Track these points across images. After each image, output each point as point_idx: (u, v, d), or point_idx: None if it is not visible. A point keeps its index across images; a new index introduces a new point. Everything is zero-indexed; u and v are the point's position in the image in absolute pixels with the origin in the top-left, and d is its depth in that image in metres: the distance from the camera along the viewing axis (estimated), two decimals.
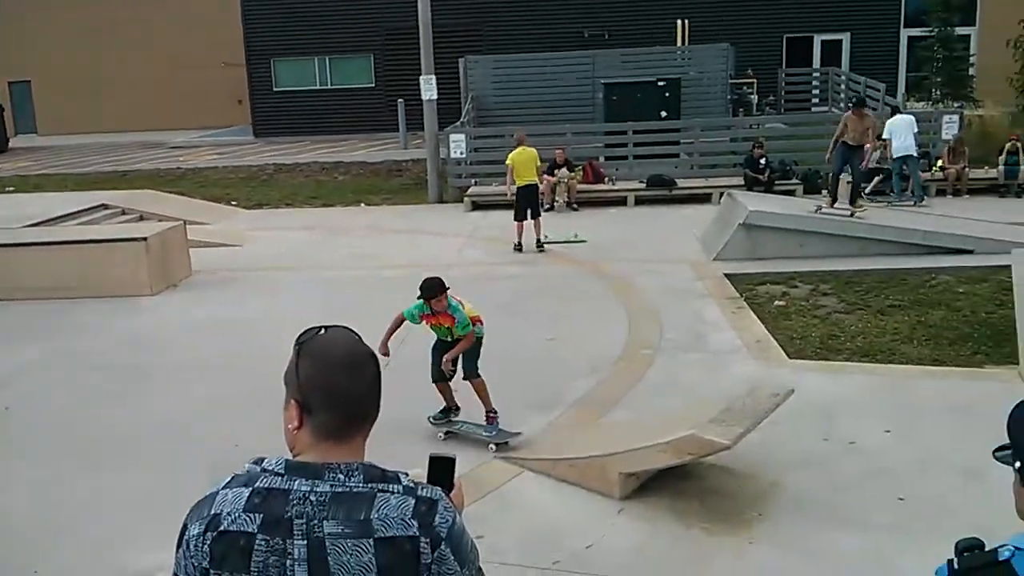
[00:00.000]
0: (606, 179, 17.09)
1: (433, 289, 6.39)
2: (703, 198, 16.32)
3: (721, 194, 14.56)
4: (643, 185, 16.85)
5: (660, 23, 25.10)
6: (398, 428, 5.94)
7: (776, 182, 16.46)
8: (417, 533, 1.75)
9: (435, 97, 17.59)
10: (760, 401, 5.71)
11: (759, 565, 4.88)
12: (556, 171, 16.11)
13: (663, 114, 18.97)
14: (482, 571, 1.92)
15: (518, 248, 12.85)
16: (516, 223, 12.87)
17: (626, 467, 5.54)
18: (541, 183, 13.52)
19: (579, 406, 7.23)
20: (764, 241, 11.78)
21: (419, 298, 6.47)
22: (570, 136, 18.59)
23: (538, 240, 12.88)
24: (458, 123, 19.32)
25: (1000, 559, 1.84)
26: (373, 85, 28.73)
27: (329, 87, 29.14)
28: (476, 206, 16.77)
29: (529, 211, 12.85)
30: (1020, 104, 10.48)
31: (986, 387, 7.02)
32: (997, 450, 1.94)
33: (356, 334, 1.92)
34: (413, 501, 1.77)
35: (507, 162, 13.21)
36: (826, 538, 5.10)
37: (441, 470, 1.95)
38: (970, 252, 11.24)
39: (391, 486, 1.77)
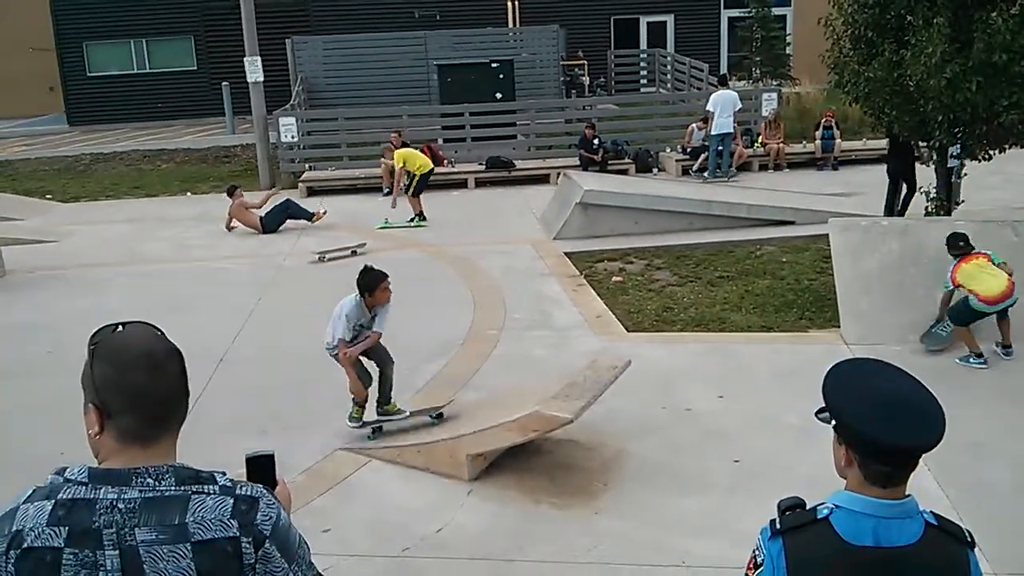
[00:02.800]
0: (445, 162, 17.02)
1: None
2: (541, 179, 16.51)
3: (558, 174, 14.78)
4: (482, 167, 16.88)
5: (490, 4, 25.17)
6: None
7: (610, 162, 16.87)
8: (237, 533, 1.70)
9: (261, 79, 16.96)
10: (600, 374, 5.82)
11: (605, 534, 4.98)
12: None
13: (498, 96, 19.04)
14: (314, 566, 1.86)
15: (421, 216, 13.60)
16: (415, 198, 13.53)
17: (473, 448, 5.53)
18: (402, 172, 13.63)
19: (427, 390, 7.16)
20: (600, 219, 12.03)
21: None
22: (406, 119, 18.40)
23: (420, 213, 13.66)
24: (288, 106, 18.74)
25: (819, 517, 1.92)
26: (196, 68, 27.43)
27: (148, 71, 27.58)
28: (312, 192, 16.33)
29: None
30: (832, 81, 11.11)
31: (811, 350, 7.43)
32: (818, 412, 2.02)
33: (158, 330, 1.83)
34: (232, 501, 1.72)
35: (400, 163, 13.43)
36: (668, 503, 5.26)
37: (261, 468, 1.92)
38: (791, 223, 11.86)
39: (206, 487, 1.72)
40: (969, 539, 1.95)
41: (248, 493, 1.75)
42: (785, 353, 7.55)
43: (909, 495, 1.92)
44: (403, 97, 20.84)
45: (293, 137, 17.23)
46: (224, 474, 1.77)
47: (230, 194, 13.50)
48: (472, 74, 19.20)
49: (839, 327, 7.83)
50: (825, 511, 1.93)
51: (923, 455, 1.91)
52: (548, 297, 9.56)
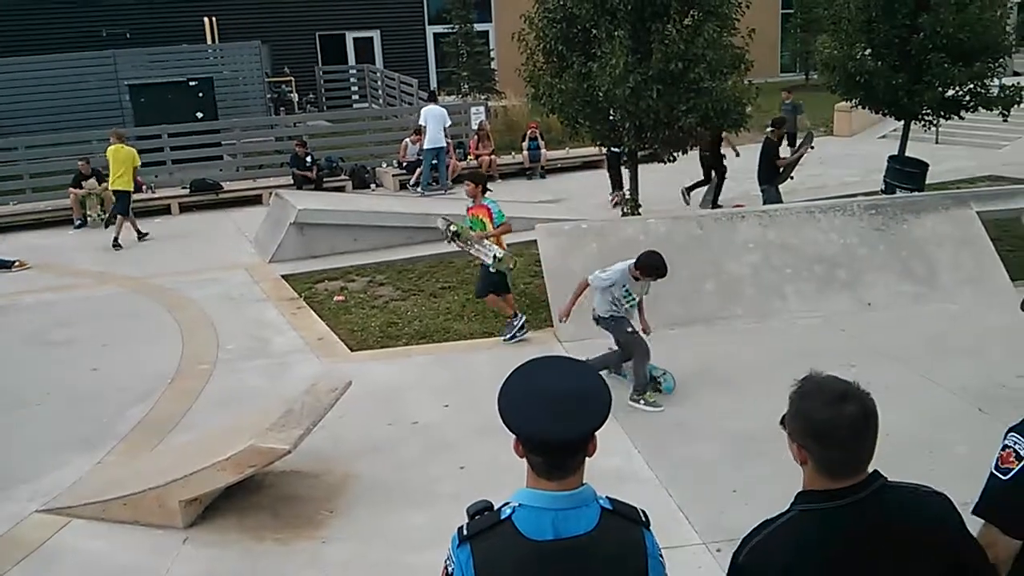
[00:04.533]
0: (144, 188, 15.89)
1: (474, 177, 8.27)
2: (253, 200, 15.89)
3: (271, 194, 14.29)
4: (187, 191, 15.97)
5: (185, 21, 23.93)
6: None
7: (325, 179, 16.58)
8: None
9: None
10: (320, 398, 5.63)
11: (332, 563, 4.81)
12: (83, 183, 14.61)
13: (199, 115, 18.12)
14: None
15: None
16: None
17: (185, 494, 5.13)
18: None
19: (132, 437, 6.60)
20: (318, 238, 11.76)
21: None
22: (95, 144, 16.95)
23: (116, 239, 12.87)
24: None
25: (503, 517, 1.92)
26: None
27: None
28: None
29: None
30: (529, 93, 11.61)
31: (528, 351, 7.60)
32: None
33: None
34: None
35: (107, 154, 13.06)
36: (396, 520, 5.18)
37: None
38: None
39: None
40: (644, 519, 2.02)
41: None
42: (506, 357, 7.70)
43: (585, 484, 1.96)
44: (92, 121, 19.22)
45: None
46: None
47: None
48: (169, 93, 18.16)
49: (553, 327, 8.14)
50: (508, 511, 1.94)
51: (585, 446, 1.95)
52: (265, 323, 9.17)
